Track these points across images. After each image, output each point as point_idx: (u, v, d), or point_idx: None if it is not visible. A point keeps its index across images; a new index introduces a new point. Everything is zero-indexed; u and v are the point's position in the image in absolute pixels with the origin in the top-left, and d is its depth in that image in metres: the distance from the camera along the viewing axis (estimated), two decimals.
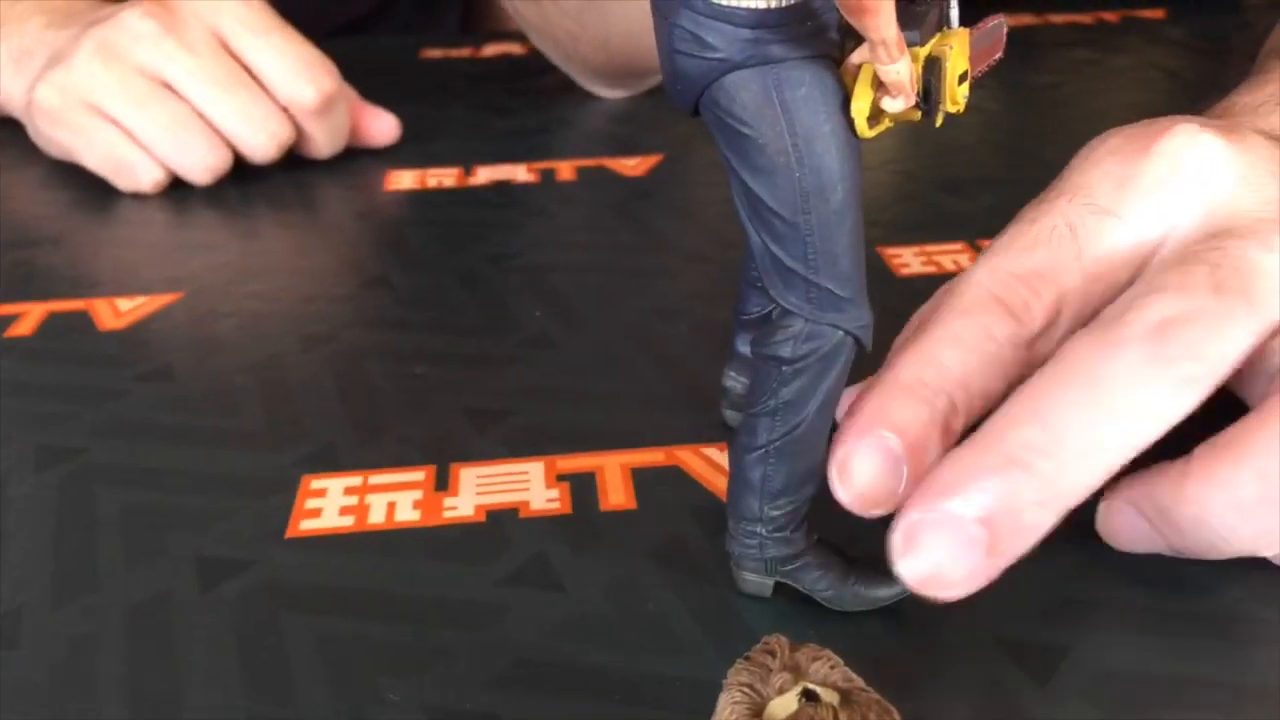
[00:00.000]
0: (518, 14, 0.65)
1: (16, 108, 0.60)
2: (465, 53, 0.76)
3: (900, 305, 0.34)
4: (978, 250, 0.43)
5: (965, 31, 0.26)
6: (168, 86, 0.54)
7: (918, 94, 0.25)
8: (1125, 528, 0.28)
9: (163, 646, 0.28)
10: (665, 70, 0.25)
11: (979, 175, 0.54)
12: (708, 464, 0.33)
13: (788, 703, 0.22)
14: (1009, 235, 0.30)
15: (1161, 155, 0.30)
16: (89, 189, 0.55)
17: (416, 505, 0.32)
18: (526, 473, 0.34)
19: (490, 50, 0.77)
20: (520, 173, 0.56)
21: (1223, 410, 0.27)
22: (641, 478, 0.33)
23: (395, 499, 0.33)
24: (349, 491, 0.33)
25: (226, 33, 0.55)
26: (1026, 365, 0.28)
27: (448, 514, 0.32)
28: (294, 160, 0.57)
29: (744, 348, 0.33)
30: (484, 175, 0.56)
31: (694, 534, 0.31)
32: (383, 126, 0.60)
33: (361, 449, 0.35)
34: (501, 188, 0.55)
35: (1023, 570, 0.28)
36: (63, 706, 0.26)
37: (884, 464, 0.26)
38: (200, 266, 0.48)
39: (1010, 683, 0.26)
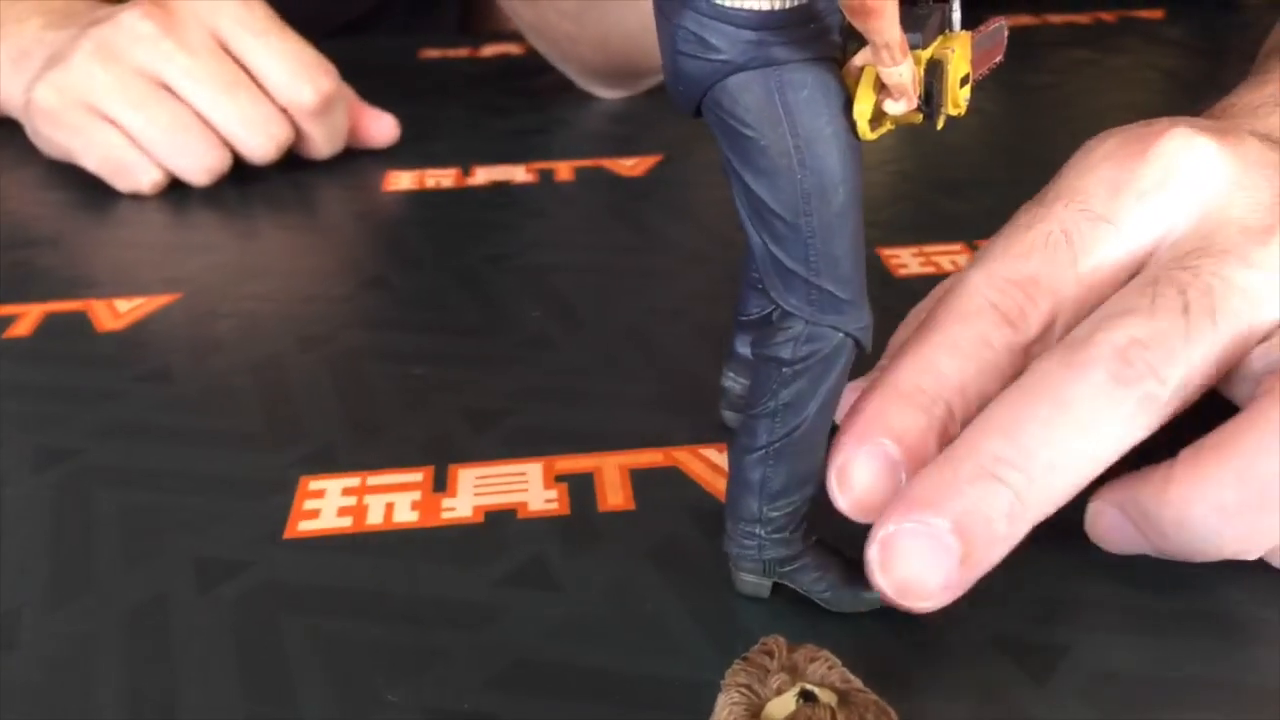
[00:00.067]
0: (515, 14, 0.65)
1: (15, 108, 0.59)
2: (464, 53, 0.76)
3: (899, 306, 0.34)
4: (976, 251, 0.43)
5: (967, 34, 0.26)
6: (166, 87, 0.54)
7: (920, 96, 0.25)
8: (1112, 530, 0.28)
9: (160, 647, 0.28)
10: (667, 71, 0.25)
11: (977, 176, 0.54)
12: (706, 465, 0.33)
13: (785, 703, 0.22)
14: (1005, 240, 0.30)
15: (1156, 159, 0.30)
16: (87, 190, 0.55)
17: (415, 506, 0.32)
18: (525, 473, 0.34)
19: (489, 51, 0.77)
20: (519, 173, 0.56)
21: (1218, 412, 0.27)
22: (640, 478, 0.33)
23: (393, 500, 0.33)
24: (347, 492, 0.33)
25: (225, 33, 0.55)
26: (1022, 371, 0.28)
27: (446, 515, 0.32)
28: (293, 161, 0.57)
29: (743, 349, 0.33)
30: (482, 176, 0.56)
31: (692, 535, 0.31)
32: (381, 127, 0.60)
33: (360, 450, 0.35)
34: (500, 188, 0.55)
35: (1021, 570, 0.28)
36: (60, 707, 0.26)
37: (882, 471, 0.27)
38: (199, 267, 0.48)
39: (1009, 683, 0.26)
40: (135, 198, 0.55)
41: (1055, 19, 0.79)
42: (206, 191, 0.55)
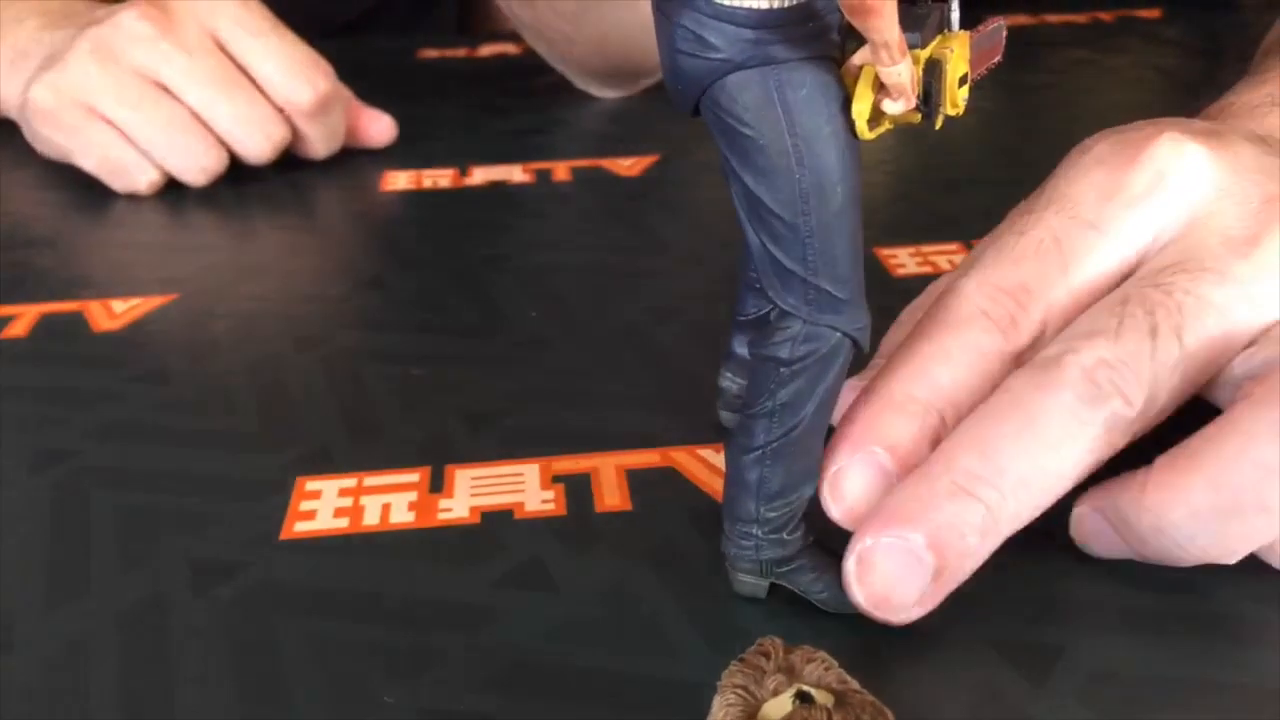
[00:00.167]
0: (513, 15, 0.65)
1: (12, 108, 0.59)
2: (461, 53, 0.76)
3: (896, 306, 0.34)
4: (968, 254, 0.43)
5: (966, 34, 0.26)
6: (164, 88, 0.54)
7: (918, 96, 0.25)
8: (1096, 535, 0.29)
9: (156, 649, 0.28)
10: (666, 69, 0.25)
11: (974, 175, 0.54)
12: (703, 465, 0.33)
13: (782, 704, 0.22)
14: (996, 246, 0.30)
15: (1146, 166, 0.30)
16: (84, 190, 0.55)
17: (411, 507, 0.32)
18: (521, 474, 0.33)
19: (486, 50, 0.77)
20: (516, 173, 0.56)
21: (1215, 412, 0.27)
22: (637, 479, 0.33)
23: (390, 500, 0.33)
24: (343, 493, 0.33)
25: (222, 34, 0.55)
26: None
27: (442, 515, 0.32)
28: (290, 161, 0.57)
29: (741, 348, 0.33)
30: (479, 176, 0.56)
31: (689, 535, 0.31)
32: (379, 127, 0.60)
33: (356, 450, 0.35)
34: (497, 188, 0.55)
35: (1017, 571, 0.28)
36: (57, 708, 0.26)
37: (875, 479, 0.27)
38: (195, 268, 0.48)
39: (1005, 684, 0.26)
40: (132, 198, 0.55)
41: (1053, 18, 0.79)
42: (203, 192, 0.55)
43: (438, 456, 0.34)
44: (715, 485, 0.32)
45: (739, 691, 0.23)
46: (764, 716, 0.22)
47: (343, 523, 0.32)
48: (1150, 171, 0.30)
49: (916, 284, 0.34)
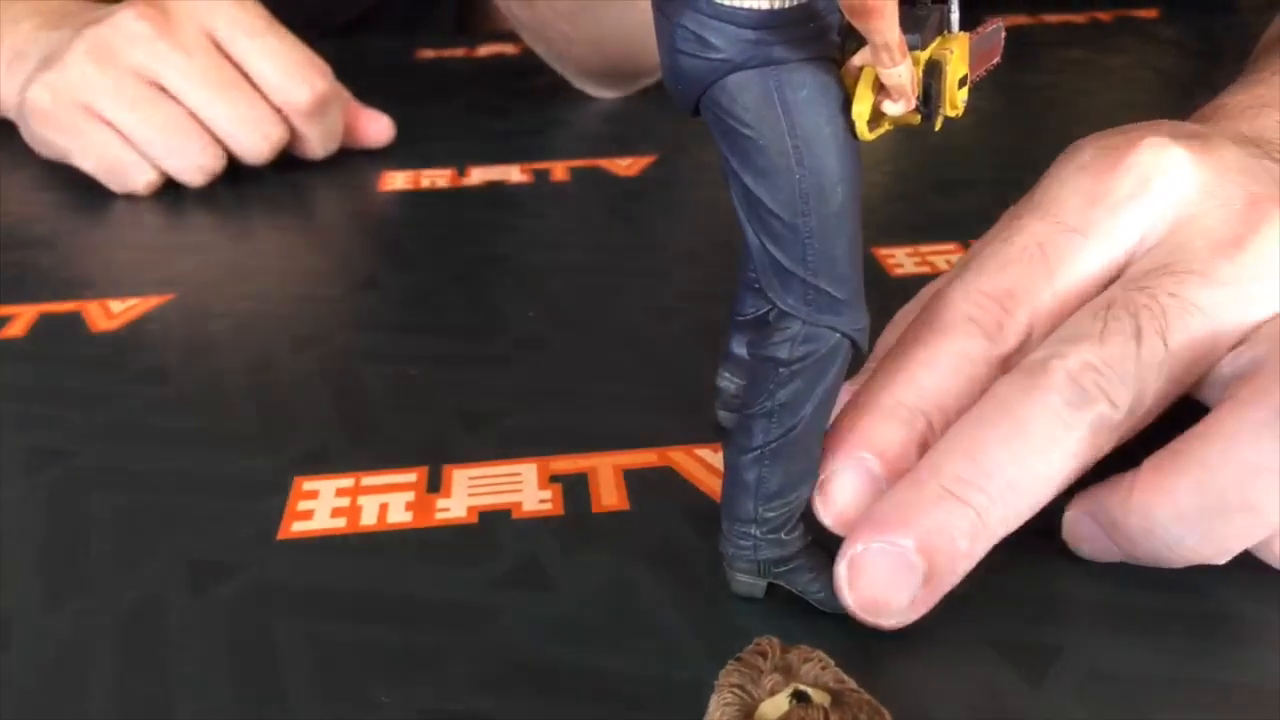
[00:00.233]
0: (512, 15, 0.65)
1: (9, 108, 0.59)
2: (459, 53, 0.76)
3: (894, 306, 0.34)
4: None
5: (965, 36, 0.26)
6: (161, 88, 0.54)
7: (918, 97, 0.25)
8: (1087, 538, 0.29)
9: (154, 649, 0.28)
10: (666, 70, 0.25)
11: (972, 175, 0.54)
12: (701, 465, 0.33)
13: (779, 704, 0.22)
14: (982, 254, 0.31)
15: (1130, 170, 0.30)
16: (82, 190, 0.55)
17: (409, 507, 0.32)
18: (519, 474, 0.33)
19: (484, 51, 0.76)
20: (514, 173, 0.56)
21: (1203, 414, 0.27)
22: (634, 479, 0.33)
23: (387, 500, 0.33)
24: (341, 493, 0.33)
25: (220, 34, 0.55)
26: None
27: (440, 515, 0.32)
28: (288, 161, 0.57)
29: (739, 348, 0.33)
30: (477, 176, 0.56)
31: (687, 535, 0.31)
32: (377, 127, 0.60)
33: (354, 450, 0.35)
34: (495, 188, 0.55)
35: (1015, 571, 0.28)
36: (54, 709, 0.26)
37: (864, 485, 0.28)
38: (193, 268, 0.47)
39: (1003, 684, 0.26)
40: (130, 198, 0.55)
41: (1051, 19, 0.79)
42: (201, 192, 0.55)
43: (435, 456, 0.34)
44: (713, 485, 0.32)
45: (736, 691, 0.23)
46: (761, 716, 0.22)
47: (340, 523, 0.32)
48: (1134, 176, 0.30)
49: (914, 284, 0.34)
